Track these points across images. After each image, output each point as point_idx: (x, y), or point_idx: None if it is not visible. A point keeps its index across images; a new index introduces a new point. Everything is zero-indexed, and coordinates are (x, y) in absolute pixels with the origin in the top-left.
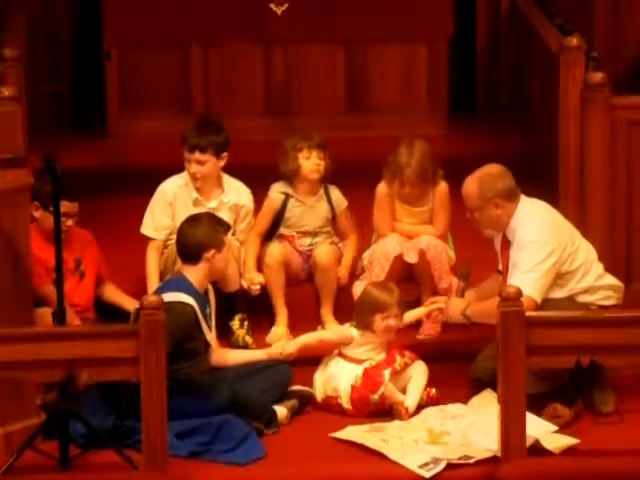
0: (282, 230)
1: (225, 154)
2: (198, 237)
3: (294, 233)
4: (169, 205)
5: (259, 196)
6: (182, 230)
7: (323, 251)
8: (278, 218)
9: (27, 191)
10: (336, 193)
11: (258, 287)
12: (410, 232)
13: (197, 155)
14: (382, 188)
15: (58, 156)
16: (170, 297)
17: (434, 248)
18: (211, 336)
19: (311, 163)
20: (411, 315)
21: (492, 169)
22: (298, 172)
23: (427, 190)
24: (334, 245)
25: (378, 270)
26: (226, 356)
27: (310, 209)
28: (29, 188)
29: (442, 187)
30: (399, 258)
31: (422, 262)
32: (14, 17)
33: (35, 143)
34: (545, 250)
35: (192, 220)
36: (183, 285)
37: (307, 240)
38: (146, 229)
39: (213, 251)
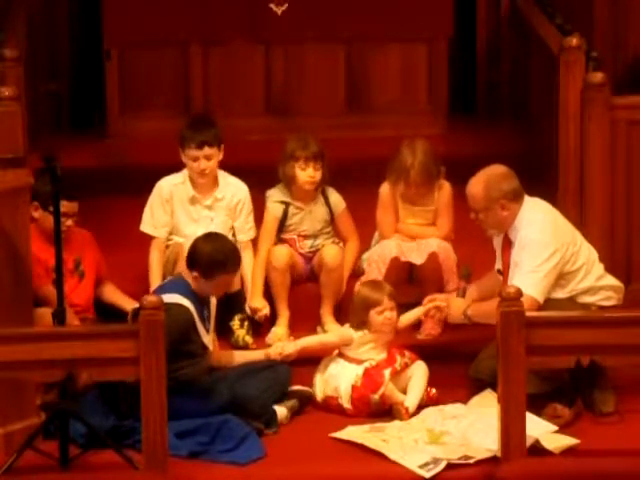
0: (282, 235)
1: (222, 146)
2: (195, 252)
3: (295, 236)
4: (166, 202)
5: (258, 196)
6: (197, 237)
7: (331, 252)
8: (280, 225)
9: (27, 191)
10: (334, 195)
11: (264, 316)
12: (414, 233)
13: (206, 150)
14: (386, 189)
15: (58, 156)
16: (167, 299)
17: (444, 251)
18: (209, 338)
19: (306, 175)
20: (410, 316)
21: (497, 170)
22: (294, 180)
23: (432, 189)
24: (339, 246)
25: (375, 273)
26: (225, 357)
27: (309, 213)
28: (29, 188)
29: (446, 188)
30: (396, 259)
31: (431, 265)
32: (14, 17)
33: (35, 143)
34: (548, 250)
35: (210, 236)
36: (181, 287)
37: (308, 242)
38: (145, 226)
39: (196, 274)
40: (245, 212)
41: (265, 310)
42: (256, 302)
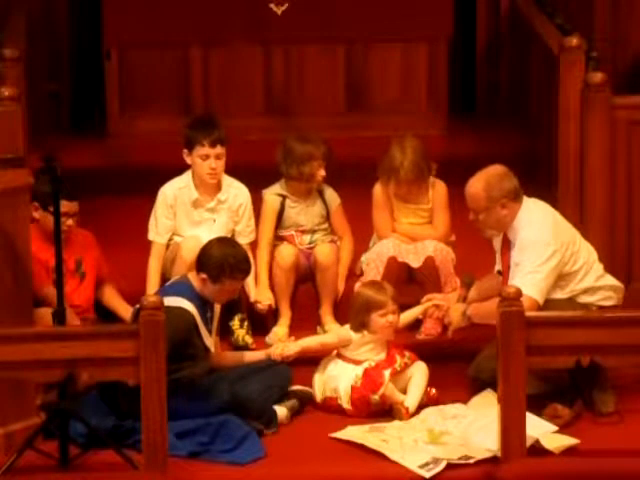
0: (280, 232)
1: None
2: (206, 255)
3: (293, 232)
4: (170, 208)
5: (258, 196)
6: (211, 239)
7: (323, 251)
8: (277, 220)
9: (27, 191)
10: (329, 191)
11: (266, 308)
12: (411, 234)
13: (218, 149)
14: (378, 189)
15: (58, 156)
16: (170, 302)
17: (440, 253)
18: (211, 341)
19: (319, 174)
20: (408, 315)
21: (496, 170)
22: (311, 179)
23: (424, 186)
24: (333, 243)
25: (374, 273)
26: (227, 358)
27: (306, 208)
28: (29, 188)
29: (440, 187)
30: (394, 259)
31: (428, 268)
32: (14, 17)
33: (35, 143)
34: (548, 251)
35: (224, 240)
36: (185, 289)
37: (307, 238)
38: (151, 234)
39: (205, 276)
40: (247, 215)
41: (270, 300)
42: (261, 295)
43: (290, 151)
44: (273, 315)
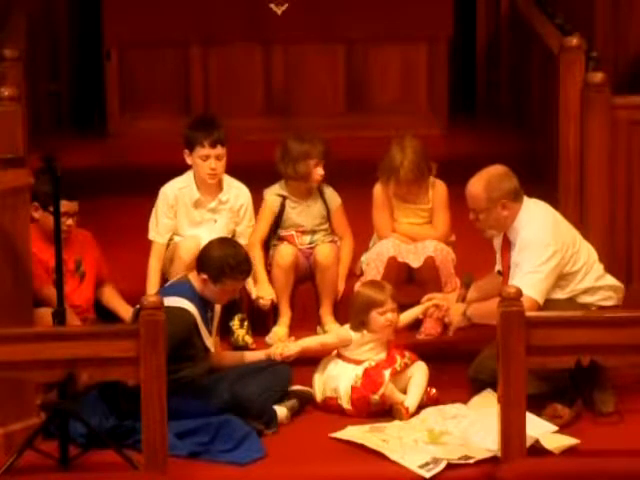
0: (281, 232)
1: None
2: (207, 256)
3: (293, 232)
4: (171, 208)
5: (258, 196)
6: (212, 240)
7: (323, 251)
8: (277, 220)
9: (27, 191)
10: (329, 191)
11: (268, 303)
12: (411, 234)
13: (219, 149)
14: (378, 189)
15: (58, 156)
16: (171, 302)
17: (440, 253)
18: (211, 341)
19: (317, 173)
20: (408, 315)
21: (497, 170)
22: (307, 178)
23: (424, 186)
24: (333, 244)
25: (374, 273)
26: (227, 358)
27: (307, 208)
28: (29, 188)
29: (440, 187)
30: (394, 259)
31: (428, 268)
32: (14, 17)
33: (35, 143)
34: (548, 251)
35: (225, 241)
36: (185, 290)
37: (307, 238)
38: (152, 234)
39: (205, 277)
40: (248, 216)
41: (272, 295)
42: (262, 291)
43: (287, 150)
44: (274, 312)
